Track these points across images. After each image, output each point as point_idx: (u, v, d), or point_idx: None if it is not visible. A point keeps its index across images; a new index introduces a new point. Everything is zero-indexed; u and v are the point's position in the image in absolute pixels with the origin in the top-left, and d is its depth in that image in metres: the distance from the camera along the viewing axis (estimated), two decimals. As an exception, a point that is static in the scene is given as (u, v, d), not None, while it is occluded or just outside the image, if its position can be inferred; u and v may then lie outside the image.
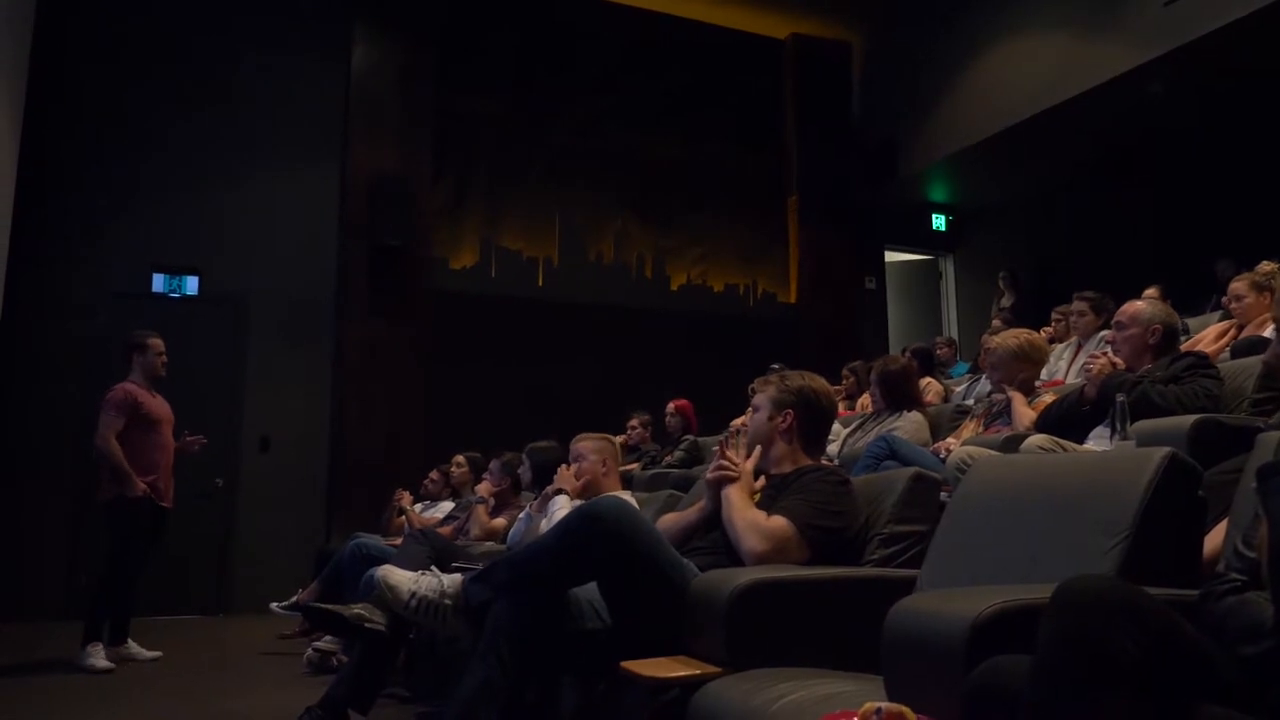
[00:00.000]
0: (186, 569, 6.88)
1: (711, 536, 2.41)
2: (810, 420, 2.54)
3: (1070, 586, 1.13)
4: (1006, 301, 9.02)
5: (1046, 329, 6.24)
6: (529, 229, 8.27)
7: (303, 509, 7.32)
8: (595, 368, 8.00)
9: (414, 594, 2.29)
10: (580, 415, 7.37)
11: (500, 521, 4.51)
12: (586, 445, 3.56)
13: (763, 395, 2.59)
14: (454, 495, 5.90)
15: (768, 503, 2.37)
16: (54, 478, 6.66)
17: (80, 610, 4.82)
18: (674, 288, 8.72)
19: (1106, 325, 5.01)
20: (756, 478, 2.48)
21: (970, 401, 5.08)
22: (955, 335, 9.39)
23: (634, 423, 6.47)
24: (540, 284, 8.23)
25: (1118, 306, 5.23)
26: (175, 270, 7.31)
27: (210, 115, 7.51)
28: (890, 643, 1.50)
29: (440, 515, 5.69)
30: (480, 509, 4.58)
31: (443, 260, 7.97)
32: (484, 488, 4.73)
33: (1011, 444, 3.08)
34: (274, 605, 5.23)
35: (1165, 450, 1.79)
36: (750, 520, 2.24)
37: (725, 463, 2.43)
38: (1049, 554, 1.83)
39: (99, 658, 4.49)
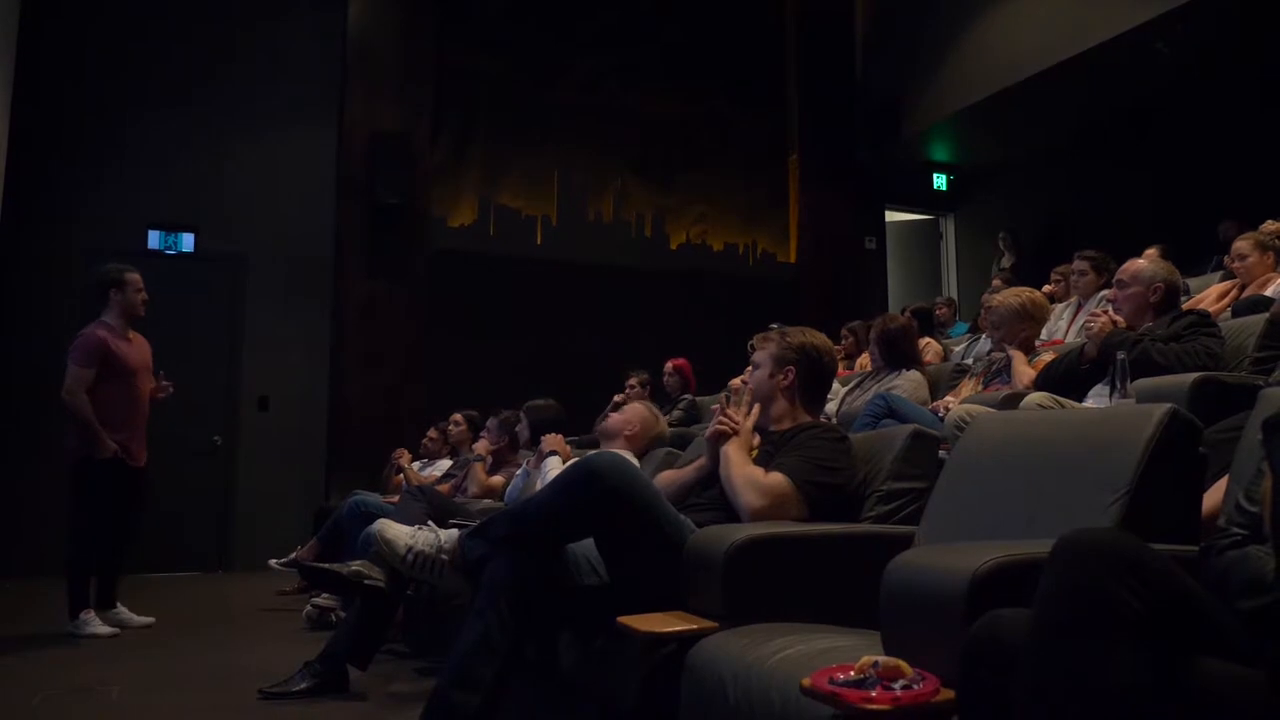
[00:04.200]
0: (185, 527, 6.92)
1: (709, 493, 2.41)
2: (811, 377, 2.52)
3: (1072, 539, 1.12)
4: (1006, 262, 8.99)
5: (1047, 287, 6.21)
6: (528, 187, 8.20)
7: (302, 467, 7.33)
8: (594, 327, 7.98)
9: (411, 549, 2.29)
10: (578, 374, 7.42)
11: (498, 479, 4.51)
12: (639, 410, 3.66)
13: (763, 352, 2.57)
14: (452, 453, 5.90)
15: (765, 459, 2.36)
16: (49, 434, 6.61)
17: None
18: (673, 247, 8.67)
19: (1108, 285, 4.97)
20: (755, 435, 2.47)
21: (970, 361, 5.08)
22: (955, 295, 9.36)
23: (632, 381, 6.45)
24: (539, 243, 8.18)
25: (1119, 266, 5.25)
26: (171, 227, 7.25)
27: (207, 70, 7.42)
28: (888, 597, 1.49)
29: (438, 473, 5.70)
30: (478, 466, 4.58)
31: (441, 219, 7.91)
32: (481, 446, 4.73)
33: (1010, 402, 3.07)
34: (273, 561, 5.24)
35: (1166, 406, 1.77)
36: (748, 476, 2.23)
37: (725, 419, 2.42)
38: (1047, 511, 1.82)
39: (96, 624, 4.32)
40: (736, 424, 2.41)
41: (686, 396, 6.22)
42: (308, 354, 7.51)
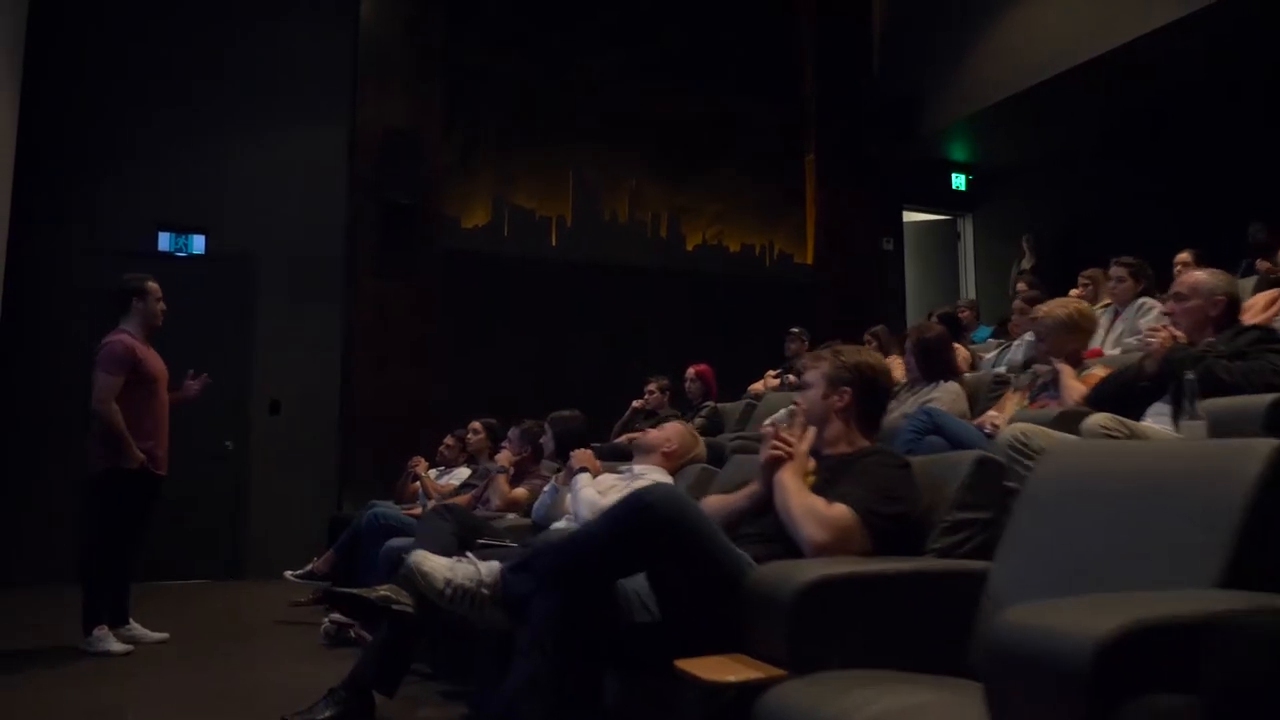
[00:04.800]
0: (197, 534, 6.81)
1: (763, 522, 2.28)
2: (868, 399, 2.40)
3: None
4: (1027, 263, 8.86)
5: (1074, 291, 6.08)
6: (542, 187, 8.08)
7: (314, 473, 7.22)
8: (609, 329, 7.87)
9: (449, 582, 2.17)
10: (594, 377, 7.32)
11: (522, 491, 4.39)
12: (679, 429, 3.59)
13: (815, 371, 2.44)
14: (470, 462, 5.78)
15: (824, 486, 2.23)
16: (59, 441, 6.52)
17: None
18: (689, 248, 8.55)
19: (1146, 292, 4.87)
20: (810, 459, 2.34)
21: (1002, 369, 4.95)
22: (972, 298, 9.23)
23: (651, 387, 6.32)
24: (554, 244, 8.06)
25: (1155, 272, 5.13)
26: (181, 229, 7.15)
27: (216, 70, 7.30)
28: (994, 659, 1.36)
29: (456, 482, 5.58)
30: (501, 479, 4.46)
31: (454, 219, 7.79)
32: (504, 457, 4.61)
33: (1066, 421, 2.95)
34: (288, 573, 5.14)
35: (1274, 442, 1.64)
36: (809, 507, 2.11)
37: (779, 444, 2.29)
38: (1143, 551, 1.69)
39: (111, 641, 4.22)
40: (791, 448, 2.29)
41: (709, 403, 6.09)
42: (319, 357, 7.40)
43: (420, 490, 5.68)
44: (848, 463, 2.28)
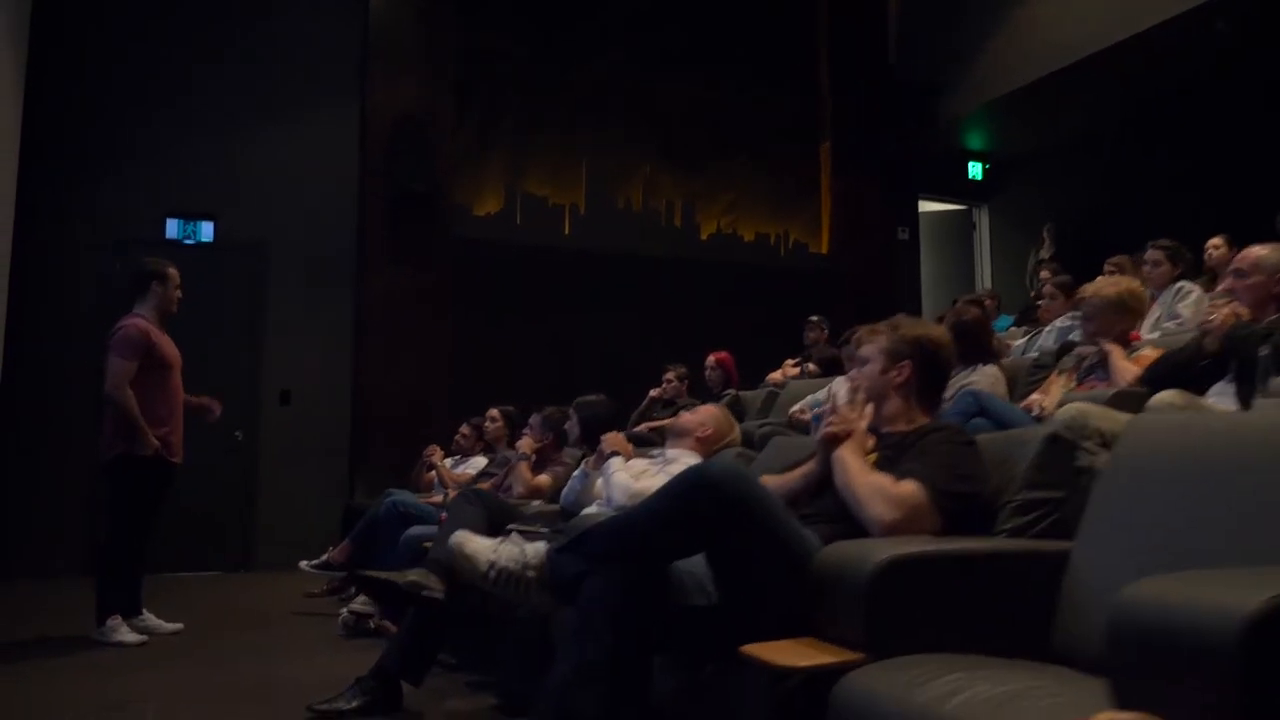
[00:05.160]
0: (207, 525, 6.70)
1: (820, 503, 2.16)
2: (929, 373, 2.29)
3: None
4: (1046, 252, 8.74)
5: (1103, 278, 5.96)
6: (555, 175, 7.97)
7: (325, 464, 7.11)
8: (623, 319, 7.75)
9: (493, 565, 2.05)
10: (608, 367, 7.19)
11: (544, 478, 4.28)
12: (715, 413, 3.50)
13: (872, 346, 2.33)
14: (487, 450, 5.67)
15: (885, 466, 2.12)
16: (67, 430, 6.45)
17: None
18: (704, 237, 8.43)
19: (1184, 276, 4.75)
20: (870, 437, 2.23)
21: (1034, 354, 4.84)
22: (989, 287, 9.11)
23: (669, 375, 6.22)
24: (567, 232, 7.94)
25: (1191, 256, 5.02)
26: (190, 216, 7.03)
27: (226, 55, 7.18)
28: (1121, 636, 1.25)
29: (472, 471, 5.47)
30: (522, 466, 4.34)
31: (465, 207, 7.68)
32: (525, 444, 4.49)
33: (1121, 401, 2.83)
34: (304, 563, 5.02)
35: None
36: (876, 485, 1.99)
37: (837, 420, 2.18)
38: (1240, 526, 1.60)
39: (125, 632, 4.12)
40: (851, 425, 2.17)
41: (729, 391, 5.98)
42: (330, 346, 7.30)
43: (436, 479, 5.58)
44: (909, 440, 2.17)
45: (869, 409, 2.24)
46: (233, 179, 7.11)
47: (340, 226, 7.36)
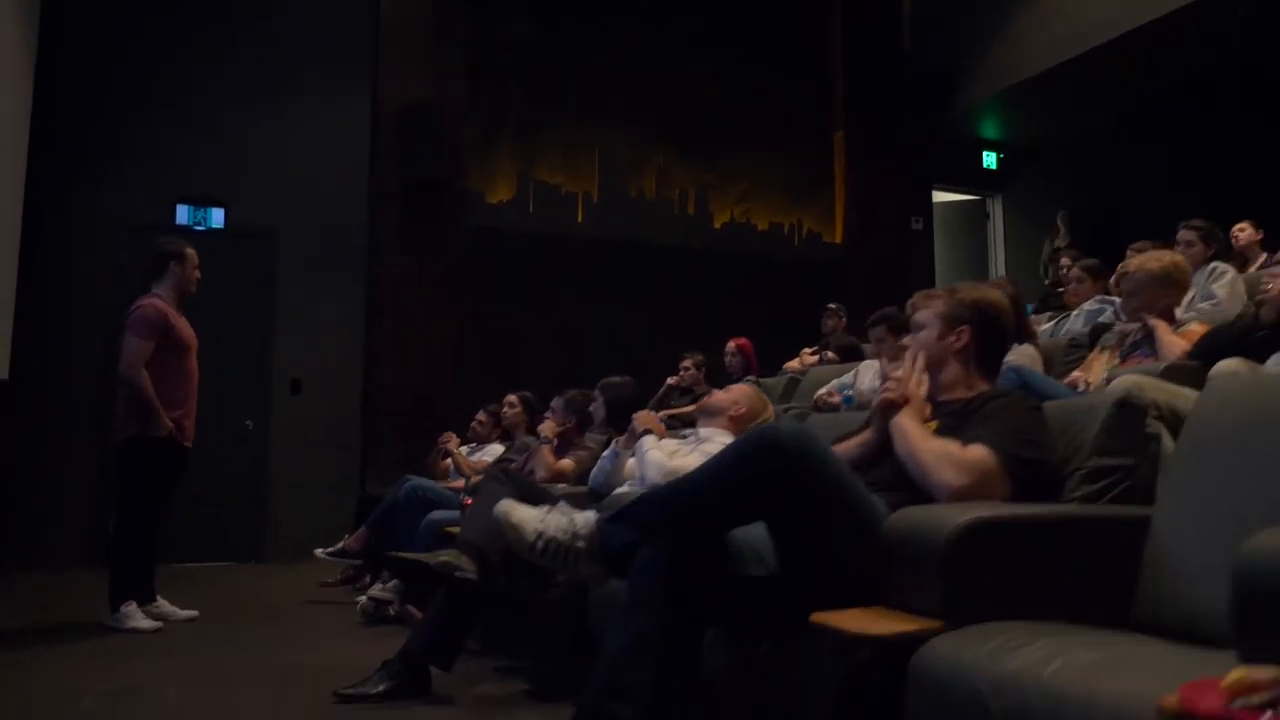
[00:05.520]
0: (217, 515, 6.61)
1: (878, 473, 2.07)
2: (989, 339, 2.20)
3: None
4: (1062, 240, 8.65)
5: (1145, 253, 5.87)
6: (567, 163, 7.88)
7: (336, 454, 7.02)
8: (636, 307, 7.67)
9: (541, 534, 1.96)
10: (621, 356, 7.04)
11: (567, 462, 4.19)
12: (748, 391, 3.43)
13: (928, 311, 2.24)
14: (504, 437, 5.58)
15: (946, 434, 2.03)
16: (75, 418, 6.36)
17: (107, 560, 4.24)
18: (717, 226, 8.35)
19: (1217, 256, 4.66)
20: (927, 405, 2.15)
21: (1063, 334, 4.76)
22: (1003, 276, 9.03)
23: (686, 363, 6.15)
24: (580, 220, 7.86)
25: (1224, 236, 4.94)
26: (200, 202, 6.94)
27: (236, 41, 7.08)
28: (1247, 591, 1.17)
29: (489, 459, 5.38)
30: (545, 449, 4.26)
31: (478, 194, 7.59)
32: (548, 427, 4.40)
33: (1173, 375, 2.74)
34: (319, 551, 4.94)
35: None
36: (943, 450, 1.90)
37: (893, 386, 2.10)
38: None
39: (139, 618, 4.03)
40: (907, 391, 2.09)
41: (749, 378, 5.88)
42: (341, 334, 7.21)
43: (451, 467, 5.49)
44: (972, 407, 2.08)
45: (925, 376, 2.15)
46: (243, 166, 7.02)
47: (351, 214, 7.27)
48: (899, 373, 2.14)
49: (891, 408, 2.09)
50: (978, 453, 1.88)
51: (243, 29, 7.11)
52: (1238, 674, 1.06)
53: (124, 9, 6.88)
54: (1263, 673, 1.04)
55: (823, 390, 4.60)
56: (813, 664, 1.78)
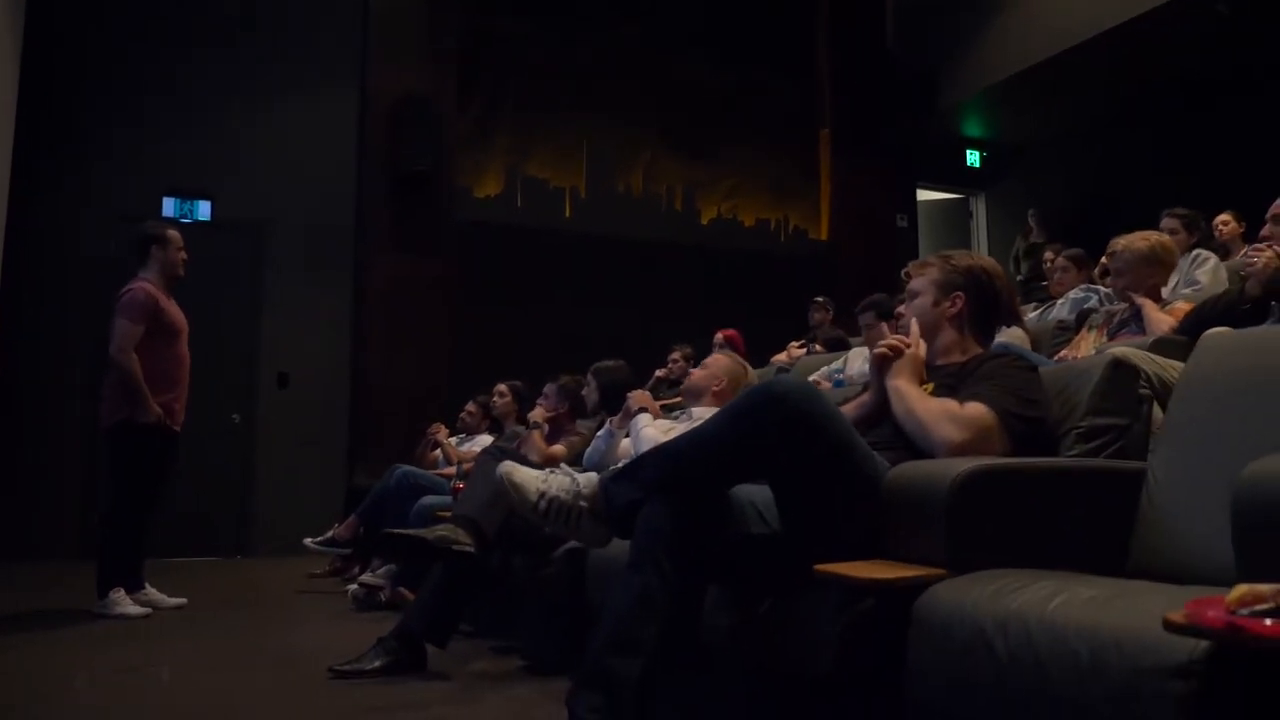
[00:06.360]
0: (203, 510, 6.57)
1: (877, 433, 2.09)
2: (983, 304, 2.22)
3: None
4: (1038, 238, 8.70)
5: (1105, 259, 5.93)
6: (556, 158, 7.90)
7: (323, 448, 6.99)
8: (623, 302, 7.68)
9: (544, 495, 1.97)
10: (607, 349, 7.03)
11: (559, 448, 4.19)
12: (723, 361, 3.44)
13: (923, 278, 2.27)
14: (493, 428, 5.58)
15: (945, 394, 2.06)
16: (63, 408, 6.32)
17: (95, 549, 4.19)
18: (704, 221, 8.38)
19: (1200, 244, 4.72)
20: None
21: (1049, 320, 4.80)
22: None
23: (675, 355, 6.15)
24: (568, 215, 7.87)
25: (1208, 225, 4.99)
26: (187, 194, 6.91)
27: (225, 31, 7.08)
28: (1246, 511, 1.20)
29: (478, 449, 5.35)
30: (536, 435, 4.26)
31: (466, 188, 7.60)
32: (539, 413, 4.41)
33: (1162, 348, 2.79)
34: (308, 541, 4.93)
35: None
36: (942, 408, 1.93)
37: (893, 340, 2.12)
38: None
39: (127, 604, 4.00)
40: (907, 343, 2.11)
41: (738, 368, 5.90)
42: (328, 328, 7.20)
43: (440, 457, 5.49)
44: (968, 369, 2.11)
45: (921, 342, 2.18)
46: (231, 158, 7.00)
47: (340, 207, 7.26)
48: (893, 337, 2.16)
49: (886, 361, 2.11)
50: (976, 409, 1.90)
51: (232, 21, 7.10)
52: (1242, 589, 1.09)
53: (112, 3, 6.84)
54: (1266, 587, 1.07)
55: (811, 377, 4.62)
56: (812, 620, 1.79)
